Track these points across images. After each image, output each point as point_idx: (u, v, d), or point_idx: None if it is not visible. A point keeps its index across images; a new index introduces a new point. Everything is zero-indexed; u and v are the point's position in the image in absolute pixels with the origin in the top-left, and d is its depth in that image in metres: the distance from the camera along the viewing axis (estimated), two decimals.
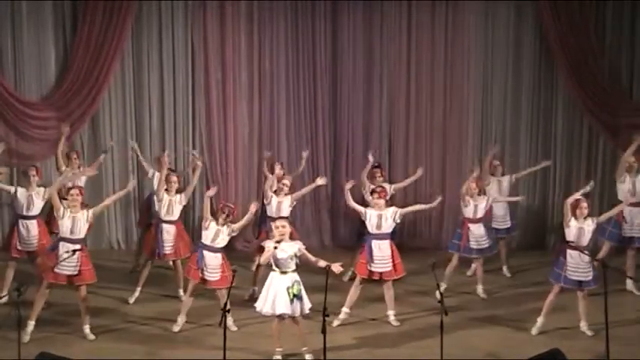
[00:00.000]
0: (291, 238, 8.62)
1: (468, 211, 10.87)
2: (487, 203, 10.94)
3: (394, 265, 9.79)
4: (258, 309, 8.61)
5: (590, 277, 9.27)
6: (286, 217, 8.88)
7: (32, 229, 10.42)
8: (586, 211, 9.39)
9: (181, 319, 9.55)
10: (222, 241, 9.48)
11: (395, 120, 14.21)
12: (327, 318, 7.73)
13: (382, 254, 9.75)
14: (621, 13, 13.36)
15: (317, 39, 14.08)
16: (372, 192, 10.10)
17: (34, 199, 10.39)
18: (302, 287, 8.46)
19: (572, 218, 9.34)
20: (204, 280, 9.50)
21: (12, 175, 12.51)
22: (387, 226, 9.80)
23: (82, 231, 9.32)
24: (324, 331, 7.55)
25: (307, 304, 8.57)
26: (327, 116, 14.21)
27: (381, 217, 9.79)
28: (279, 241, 8.45)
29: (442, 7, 13.88)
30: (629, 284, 10.97)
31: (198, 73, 13.78)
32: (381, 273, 9.76)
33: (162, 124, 13.76)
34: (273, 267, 8.54)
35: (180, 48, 13.68)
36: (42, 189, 10.47)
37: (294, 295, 8.36)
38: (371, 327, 9.69)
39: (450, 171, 14.01)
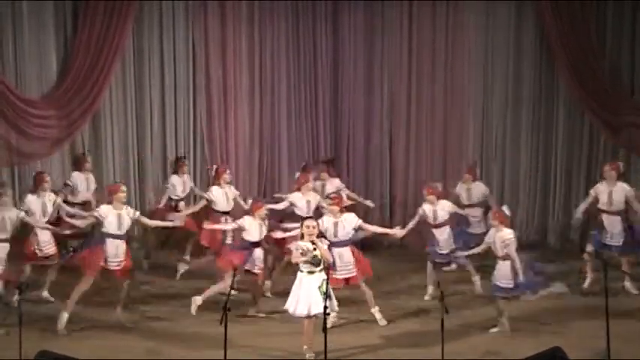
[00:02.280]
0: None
1: (429, 218, 10.78)
2: (448, 208, 10.81)
3: (358, 269, 9.60)
4: (290, 310, 8.54)
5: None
6: (312, 217, 8.83)
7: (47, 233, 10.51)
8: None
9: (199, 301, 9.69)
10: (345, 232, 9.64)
11: (396, 120, 14.22)
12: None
13: (344, 262, 9.57)
14: (622, 12, 13.36)
15: (318, 39, 14.10)
16: (327, 197, 9.97)
17: (47, 205, 10.60)
18: (329, 286, 8.34)
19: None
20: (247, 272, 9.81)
21: (13, 174, 12.52)
22: (345, 234, 9.61)
23: (126, 226, 9.64)
24: (324, 330, 7.52)
25: (335, 303, 8.50)
26: (328, 116, 14.24)
27: (337, 225, 9.59)
28: (313, 242, 8.41)
29: (443, 7, 13.91)
30: (628, 285, 10.91)
31: (199, 72, 13.81)
32: (347, 279, 9.61)
33: (163, 123, 13.78)
34: (301, 267, 8.49)
35: (181, 48, 13.71)
36: (53, 195, 10.76)
37: (324, 294, 8.23)
38: (373, 327, 9.67)
39: (451, 170, 14.02)
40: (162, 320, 9.82)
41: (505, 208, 9.63)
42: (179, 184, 12.40)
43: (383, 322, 9.70)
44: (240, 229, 10.04)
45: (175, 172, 12.52)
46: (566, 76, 13.47)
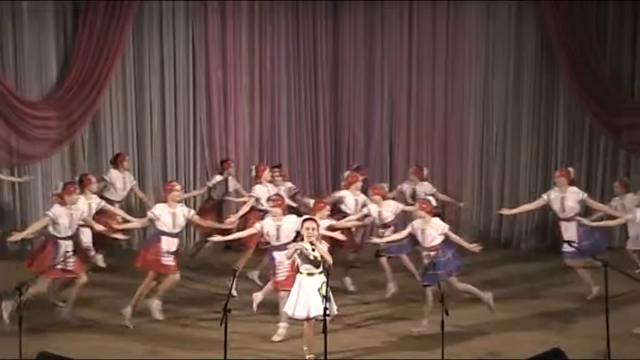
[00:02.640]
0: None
1: (375, 218, 10.69)
2: (393, 209, 10.72)
3: (288, 277, 9.10)
4: (289, 313, 8.43)
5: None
6: (314, 219, 8.76)
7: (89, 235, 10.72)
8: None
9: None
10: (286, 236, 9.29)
11: (396, 119, 14.24)
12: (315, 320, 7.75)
13: (284, 266, 9.16)
14: (623, 12, 13.39)
15: (318, 39, 14.12)
16: (268, 199, 9.73)
17: (92, 206, 10.79)
18: (329, 288, 8.22)
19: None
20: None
21: (12, 175, 12.53)
22: (286, 236, 9.20)
23: (180, 225, 9.71)
24: (324, 331, 7.50)
25: (334, 306, 8.38)
26: (328, 116, 14.26)
27: (279, 228, 9.25)
28: (313, 243, 8.28)
29: (443, 7, 13.93)
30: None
31: (199, 72, 13.82)
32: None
33: (163, 123, 13.79)
34: (300, 269, 8.38)
35: (181, 48, 13.72)
36: (97, 198, 11.05)
37: (323, 297, 8.10)
38: (374, 329, 9.67)
39: (451, 170, 14.04)
40: (162, 321, 9.81)
41: (431, 199, 9.64)
42: (222, 185, 12.42)
43: (278, 338, 9.10)
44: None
45: (220, 172, 12.55)
46: (566, 76, 13.48)
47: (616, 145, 13.37)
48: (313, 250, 8.29)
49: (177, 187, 9.89)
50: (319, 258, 8.32)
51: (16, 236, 9.62)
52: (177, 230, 9.70)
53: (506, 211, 11.36)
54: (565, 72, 13.44)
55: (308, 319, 8.32)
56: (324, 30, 14.17)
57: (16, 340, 7.57)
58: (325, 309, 7.73)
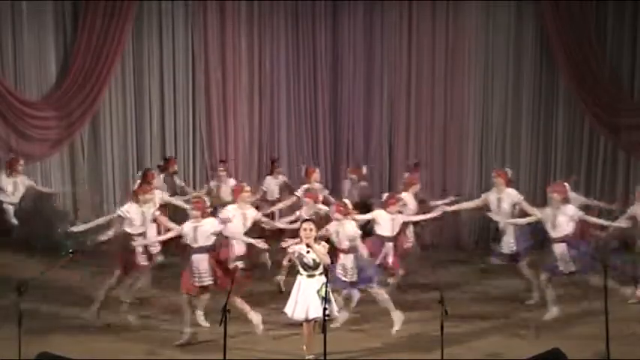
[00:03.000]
0: None
1: None
2: None
3: (218, 278, 8.90)
4: (289, 314, 8.39)
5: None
6: (311, 220, 8.71)
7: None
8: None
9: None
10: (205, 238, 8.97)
11: (395, 120, 14.24)
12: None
13: (201, 270, 8.86)
14: (622, 12, 13.40)
15: (317, 39, 14.11)
16: (186, 201, 9.50)
17: (156, 200, 10.59)
18: (329, 289, 8.15)
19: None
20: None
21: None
22: (204, 240, 8.86)
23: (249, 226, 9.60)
24: (324, 331, 7.50)
25: (335, 307, 8.39)
26: (328, 116, 14.25)
27: (196, 230, 8.85)
28: (309, 244, 8.23)
29: (443, 7, 13.94)
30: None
31: (199, 73, 13.83)
32: (207, 287, 8.97)
33: (163, 124, 13.81)
34: (300, 271, 8.37)
35: (180, 48, 13.74)
36: (159, 191, 10.89)
37: (323, 298, 8.03)
38: (373, 329, 9.66)
39: (450, 171, 14.03)
40: (161, 321, 9.81)
41: (347, 201, 9.54)
42: (274, 186, 12.30)
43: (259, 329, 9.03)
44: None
45: (270, 173, 12.45)
46: (565, 77, 13.49)
47: (615, 146, 13.37)
48: (308, 252, 8.26)
49: (247, 187, 9.88)
50: (317, 260, 8.31)
51: (79, 227, 9.72)
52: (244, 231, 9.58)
53: (446, 208, 11.27)
54: (564, 72, 13.45)
55: (307, 320, 8.32)
56: (323, 30, 14.17)
57: (16, 340, 7.58)
58: (325, 309, 7.73)
